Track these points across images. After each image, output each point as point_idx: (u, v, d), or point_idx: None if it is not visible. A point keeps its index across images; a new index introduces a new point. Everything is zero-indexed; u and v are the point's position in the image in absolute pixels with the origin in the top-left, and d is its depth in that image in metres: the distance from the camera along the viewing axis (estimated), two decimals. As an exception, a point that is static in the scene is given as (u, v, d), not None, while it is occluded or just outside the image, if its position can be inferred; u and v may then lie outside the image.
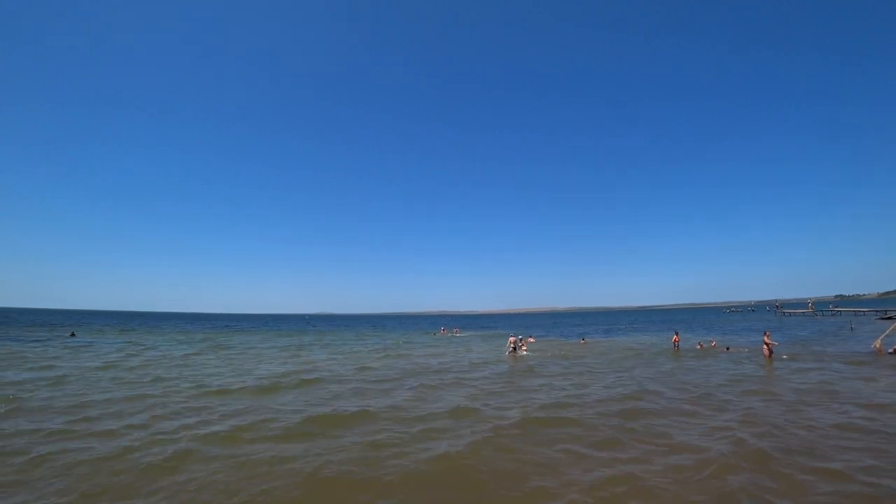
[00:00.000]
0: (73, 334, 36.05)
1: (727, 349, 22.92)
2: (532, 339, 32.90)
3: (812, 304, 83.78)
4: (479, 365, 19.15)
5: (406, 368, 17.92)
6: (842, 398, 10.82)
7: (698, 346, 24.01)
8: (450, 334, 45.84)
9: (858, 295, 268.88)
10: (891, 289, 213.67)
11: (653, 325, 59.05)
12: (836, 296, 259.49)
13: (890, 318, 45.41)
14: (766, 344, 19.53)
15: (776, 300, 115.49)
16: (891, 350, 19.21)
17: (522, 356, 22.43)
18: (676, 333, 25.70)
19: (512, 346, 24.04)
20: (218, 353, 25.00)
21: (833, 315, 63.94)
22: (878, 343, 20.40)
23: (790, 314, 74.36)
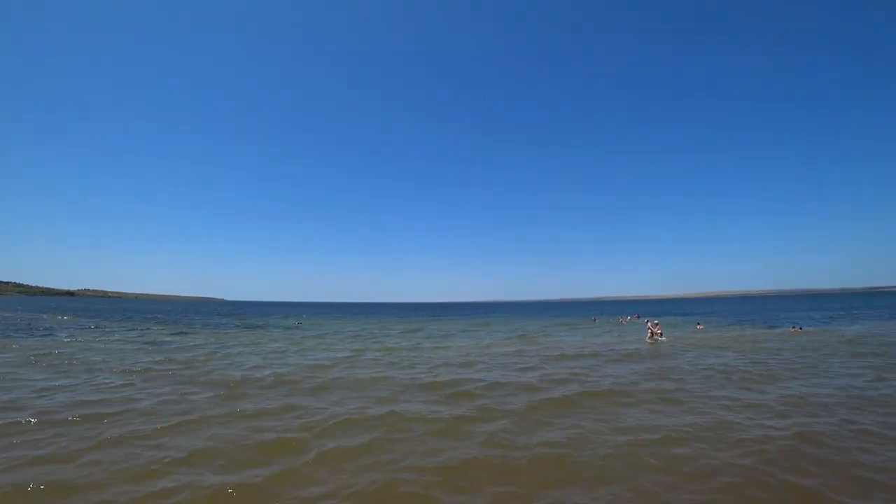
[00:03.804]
0: (299, 323, 41.02)
1: None
2: (700, 326, 31.80)
3: None
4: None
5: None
6: None
7: None
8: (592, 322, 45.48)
9: None
10: None
11: (809, 310, 52.46)
12: None
13: None
14: None
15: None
16: None
17: (661, 342, 22.26)
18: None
19: (650, 332, 24.04)
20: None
21: None
22: None
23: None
